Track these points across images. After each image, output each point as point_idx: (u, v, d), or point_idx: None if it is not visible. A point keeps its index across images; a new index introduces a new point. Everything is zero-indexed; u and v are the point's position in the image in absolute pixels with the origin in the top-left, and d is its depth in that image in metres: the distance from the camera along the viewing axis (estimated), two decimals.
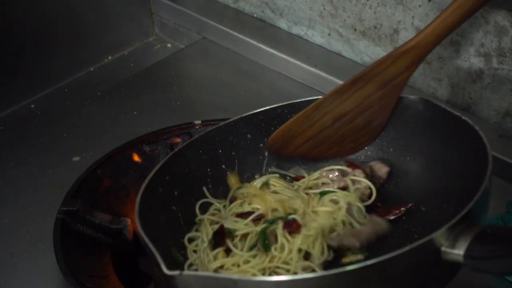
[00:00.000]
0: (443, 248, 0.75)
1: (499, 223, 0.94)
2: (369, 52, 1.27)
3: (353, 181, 0.96)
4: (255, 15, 1.42)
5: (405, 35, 1.21)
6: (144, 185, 0.90)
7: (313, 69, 1.30)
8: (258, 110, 1.01)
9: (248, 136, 1.01)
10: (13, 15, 1.29)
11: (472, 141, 0.87)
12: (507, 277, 0.93)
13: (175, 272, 0.77)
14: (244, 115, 1.01)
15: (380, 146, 1.00)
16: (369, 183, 0.95)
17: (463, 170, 0.89)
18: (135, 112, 1.27)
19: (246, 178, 1.01)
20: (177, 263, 0.89)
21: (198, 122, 1.13)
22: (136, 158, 1.09)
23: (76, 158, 1.18)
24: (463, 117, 0.90)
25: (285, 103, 1.01)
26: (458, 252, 0.75)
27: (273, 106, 1.01)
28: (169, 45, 1.48)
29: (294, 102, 1.01)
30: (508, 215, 0.97)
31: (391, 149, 0.99)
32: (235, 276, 0.80)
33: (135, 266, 1.05)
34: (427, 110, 0.94)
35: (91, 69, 1.41)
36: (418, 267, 0.77)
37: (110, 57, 1.44)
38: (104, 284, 0.95)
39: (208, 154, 0.99)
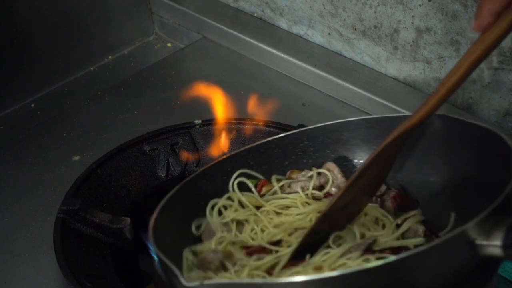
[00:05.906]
0: (478, 242, 0.72)
1: None
2: (369, 52, 1.27)
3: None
4: (255, 15, 1.42)
5: (405, 35, 1.21)
6: (160, 205, 0.87)
7: (313, 69, 1.30)
8: (281, 135, 0.98)
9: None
10: (13, 15, 1.29)
11: (494, 145, 0.84)
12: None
13: (195, 283, 0.75)
14: (268, 139, 0.98)
15: (406, 167, 0.96)
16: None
17: (486, 177, 0.86)
18: (135, 112, 1.27)
19: None
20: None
21: (198, 122, 1.13)
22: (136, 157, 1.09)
23: (76, 158, 1.18)
24: (483, 125, 0.86)
25: (306, 128, 0.99)
26: (495, 243, 0.71)
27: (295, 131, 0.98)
28: (169, 44, 1.48)
29: (314, 127, 0.98)
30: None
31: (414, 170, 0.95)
32: (259, 280, 0.78)
33: (135, 266, 1.05)
34: (445, 124, 0.91)
35: (91, 69, 1.41)
36: (453, 266, 0.73)
37: (110, 57, 1.43)
38: (104, 284, 0.95)
39: (227, 177, 0.96)
